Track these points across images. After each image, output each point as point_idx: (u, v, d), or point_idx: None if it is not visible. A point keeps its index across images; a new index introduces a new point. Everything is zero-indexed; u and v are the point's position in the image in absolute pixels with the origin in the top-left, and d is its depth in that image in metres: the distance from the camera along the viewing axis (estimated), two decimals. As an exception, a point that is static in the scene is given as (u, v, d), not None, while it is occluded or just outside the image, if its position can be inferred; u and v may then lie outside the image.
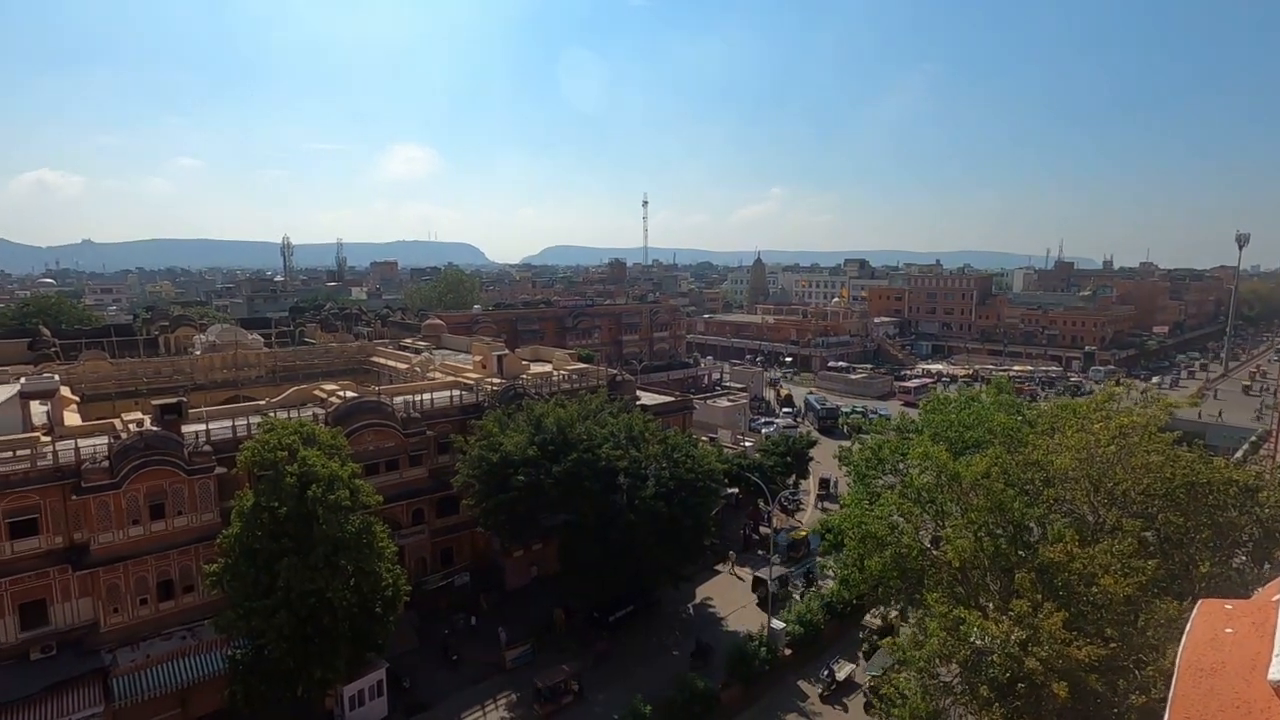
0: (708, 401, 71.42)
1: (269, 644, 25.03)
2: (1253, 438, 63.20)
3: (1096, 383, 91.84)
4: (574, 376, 46.77)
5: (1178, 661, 5.09)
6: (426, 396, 40.16)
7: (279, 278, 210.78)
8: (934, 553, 23.64)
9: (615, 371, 51.18)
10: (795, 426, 71.49)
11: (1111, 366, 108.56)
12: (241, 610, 24.81)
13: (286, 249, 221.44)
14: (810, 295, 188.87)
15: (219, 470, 29.76)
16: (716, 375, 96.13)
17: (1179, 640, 5.34)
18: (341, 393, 38.66)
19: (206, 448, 30.06)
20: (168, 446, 28.74)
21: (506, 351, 50.12)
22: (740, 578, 41.82)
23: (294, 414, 33.25)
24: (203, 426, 31.77)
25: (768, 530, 42.23)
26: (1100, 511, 22.18)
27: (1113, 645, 17.29)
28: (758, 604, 37.42)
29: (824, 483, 55.05)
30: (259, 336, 57.69)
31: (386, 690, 29.36)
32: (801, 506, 53.08)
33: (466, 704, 30.38)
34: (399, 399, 38.78)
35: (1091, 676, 16.46)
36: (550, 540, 37.39)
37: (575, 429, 34.42)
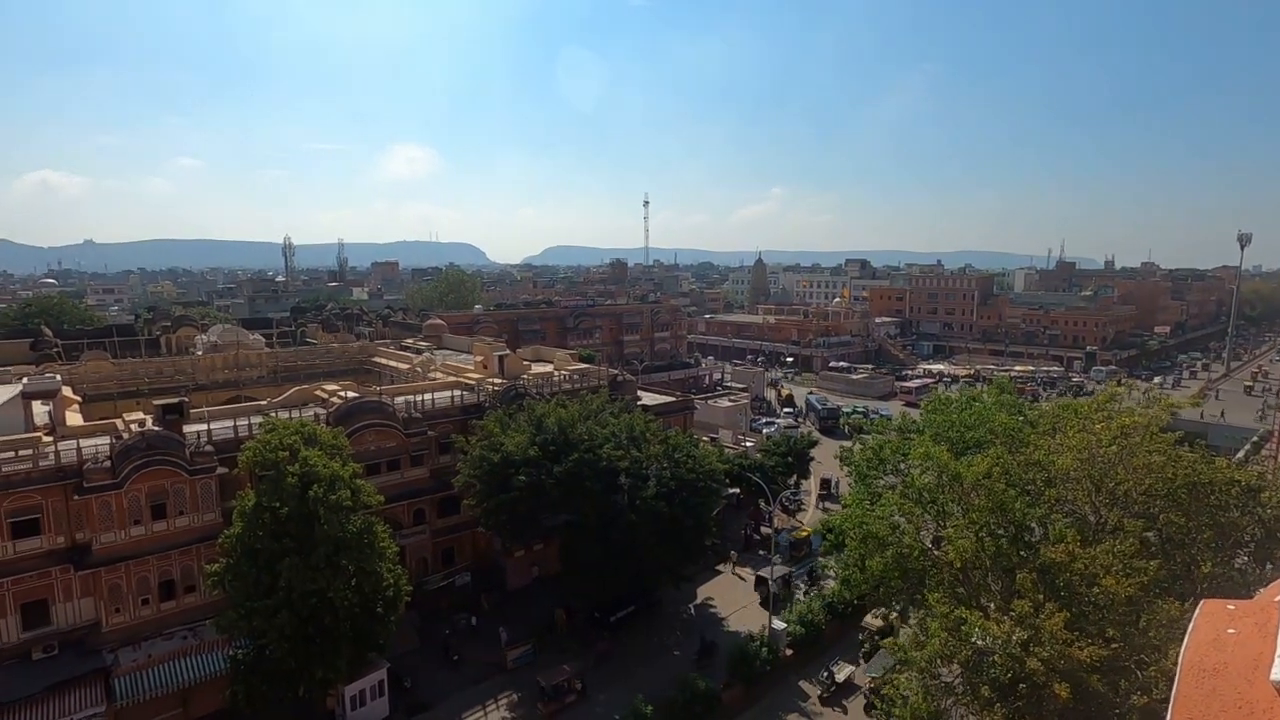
0: (709, 402, 71.32)
1: (270, 644, 25.04)
2: (1255, 438, 63.15)
3: (1098, 383, 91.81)
4: (575, 377, 46.80)
5: (1179, 662, 5.08)
6: (428, 397, 40.18)
7: (280, 278, 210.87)
8: (935, 553, 23.61)
9: (616, 372, 51.22)
10: (796, 427, 71.42)
11: (1113, 366, 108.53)
12: (243, 610, 24.82)
13: (288, 249, 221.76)
14: (811, 295, 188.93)
15: (220, 470, 29.82)
16: (717, 375, 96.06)
17: (1181, 641, 5.33)
18: (343, 393, 38.67)
19: (208, 448, 30.10)
20: (169, 447, 28.79)
21: (508, 352, 50.12)
22: (741, 578, 41.81)
23: (295, 414, 33.29)
24: (204, 426, 31.80)
25: (769, 530, 42.25)
26: (1102, 512, 22.13)
27: (1114, 646, 17.27)
28: (759, 604, 37.44)
29: (825, 483, 54.99)
30: (260, 337, 57.74)
31: (388, 690, 29.40)
32: (803, 506, 53.05)
33: (467, 704, 30.40)
34: (400, 399, 38.81)
35: (1093, 677, 16.44)
36: (551, 540, 37.42)
37: (576, 429, 34.44)
